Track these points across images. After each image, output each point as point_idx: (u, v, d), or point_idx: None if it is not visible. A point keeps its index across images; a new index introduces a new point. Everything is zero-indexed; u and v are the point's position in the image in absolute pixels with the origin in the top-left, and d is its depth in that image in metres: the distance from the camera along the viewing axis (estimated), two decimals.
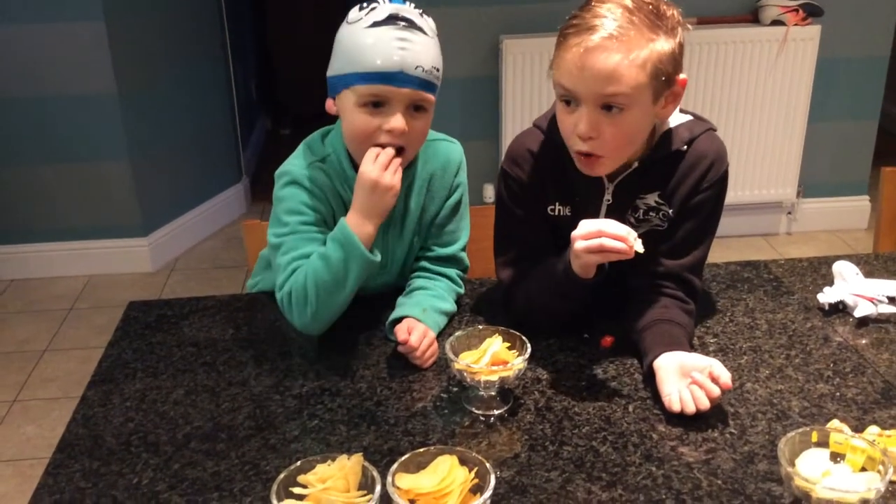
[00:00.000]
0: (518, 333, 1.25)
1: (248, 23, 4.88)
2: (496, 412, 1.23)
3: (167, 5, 3.47)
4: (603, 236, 1.22)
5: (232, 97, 4.04)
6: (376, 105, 1.32)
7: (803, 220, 3.74)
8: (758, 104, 3.44)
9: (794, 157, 3.55)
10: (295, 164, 1.43)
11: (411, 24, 1.31)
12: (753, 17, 3.38)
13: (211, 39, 3.85)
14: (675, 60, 1.26)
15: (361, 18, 1.32)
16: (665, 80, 1.25)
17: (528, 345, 1.22)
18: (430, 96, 1.35)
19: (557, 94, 1.29)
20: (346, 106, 1.35)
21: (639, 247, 1.21)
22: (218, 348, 1.42)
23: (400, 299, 1.45)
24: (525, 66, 3.28)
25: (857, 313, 1.45)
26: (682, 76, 1.29)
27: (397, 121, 1.32)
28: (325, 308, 1.34)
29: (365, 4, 1.34)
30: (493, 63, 3.36)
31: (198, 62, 3.71)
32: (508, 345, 1.24)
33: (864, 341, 1.40)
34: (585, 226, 1.24)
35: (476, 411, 1.23)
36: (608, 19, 1.22)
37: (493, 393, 1.23)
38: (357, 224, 1.32)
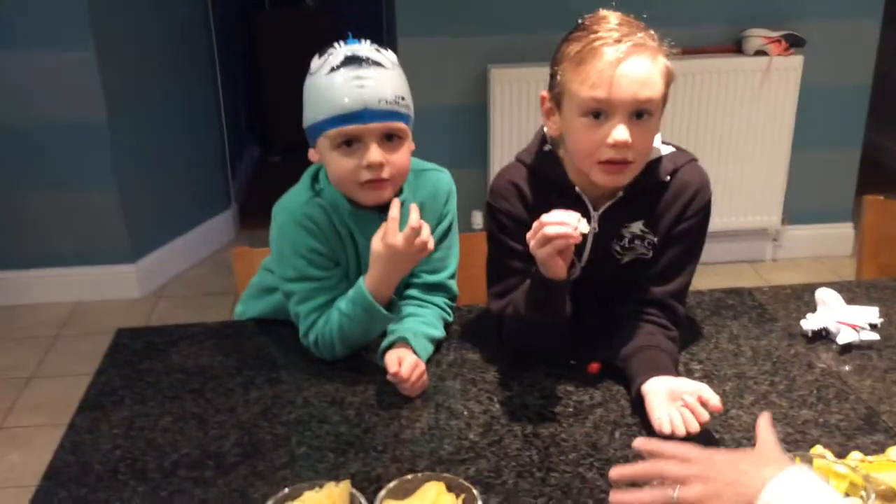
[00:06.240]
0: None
1: (239, 50, 4.90)
2: None
3: (156, 33, 3.49)
4: (543, 226, 1.22)
5: (221, 124, 4.06)
6: (349, 144, 1.36)
7: (788, 247, 3.77)
8: (742, 133, 3.48)
9: (779, 184, 3.58)
10: (294, 199, 1.46)
11: (367, 62, 1.35)
12: (737, 48, 3.42)
13: (201, 67, 3.87)
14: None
15: (321, 67, 1.36)
16: (667, 93, 1.31)
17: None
18: (400, 125, 1.38)
19: (582, 110, 1.29)
20: (325, 152, 1.39)
21: (583, 227, 1.22)
22: (206, 375, 1.42)
23: (390, 326, 1.46)
24: (512, 94, 3.31)
25: (840, 340, 1.46)
26: None
27: (373, 153, 1.35)
28: (351, 349, 1.45)
29: (323, 52, 1.38)
30: (481, 92, 3.39)
31: (187, 89, 3.72)
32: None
33: (846, 368, 1.41)
34: (534, 226, 1.25)
35: None
36: (624, 29, 1.27)
37: None
38: (377, 291, 1.38)
